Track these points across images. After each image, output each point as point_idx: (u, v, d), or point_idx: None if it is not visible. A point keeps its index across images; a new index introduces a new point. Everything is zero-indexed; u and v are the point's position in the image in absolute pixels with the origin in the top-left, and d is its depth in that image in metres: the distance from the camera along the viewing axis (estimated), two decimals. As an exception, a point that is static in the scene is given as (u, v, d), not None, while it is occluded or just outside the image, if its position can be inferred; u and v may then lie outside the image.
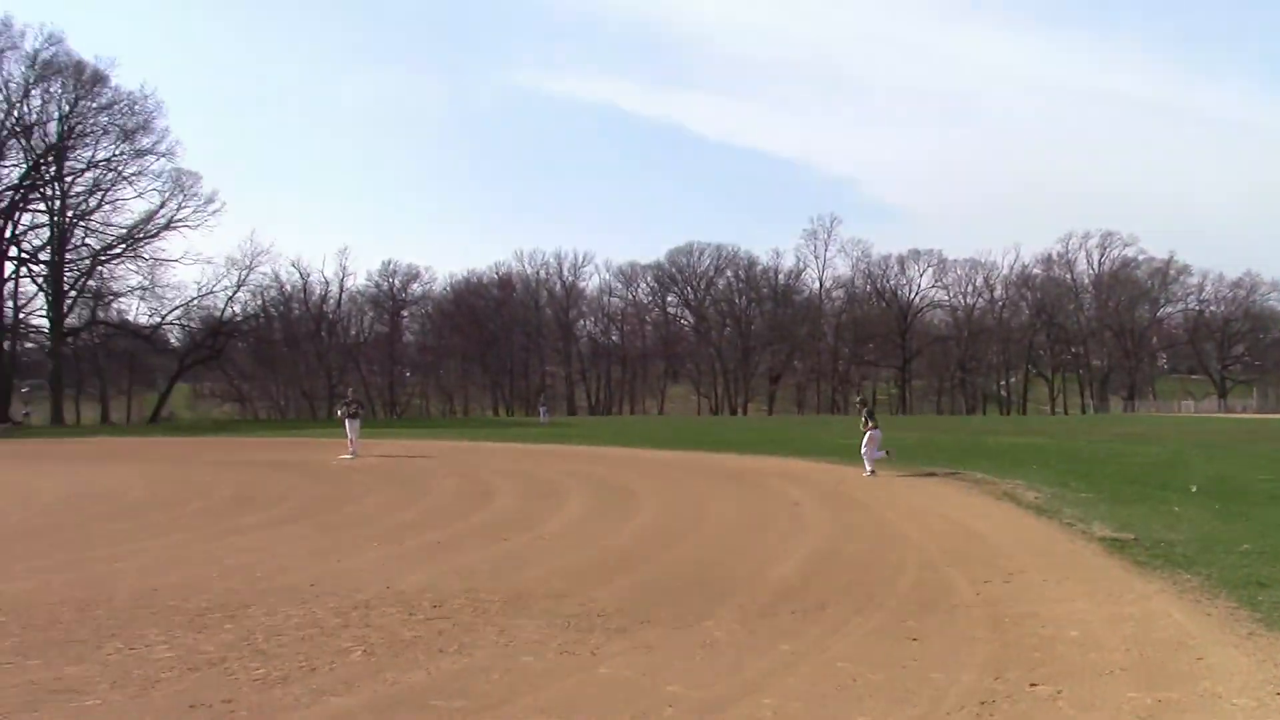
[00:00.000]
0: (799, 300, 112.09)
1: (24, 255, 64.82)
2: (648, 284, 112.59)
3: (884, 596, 10.35)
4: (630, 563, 12.49)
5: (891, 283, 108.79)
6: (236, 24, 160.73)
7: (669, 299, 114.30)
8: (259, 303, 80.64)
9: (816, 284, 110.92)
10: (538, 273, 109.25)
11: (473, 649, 8.45)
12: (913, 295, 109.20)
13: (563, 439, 38.38)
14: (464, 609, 9.88)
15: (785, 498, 19.46)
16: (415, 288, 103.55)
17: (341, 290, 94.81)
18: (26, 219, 64.97)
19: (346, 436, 30.86)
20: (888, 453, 24.78)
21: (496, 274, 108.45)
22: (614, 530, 15.27)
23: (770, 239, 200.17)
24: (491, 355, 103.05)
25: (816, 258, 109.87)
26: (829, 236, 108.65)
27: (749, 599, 10.27)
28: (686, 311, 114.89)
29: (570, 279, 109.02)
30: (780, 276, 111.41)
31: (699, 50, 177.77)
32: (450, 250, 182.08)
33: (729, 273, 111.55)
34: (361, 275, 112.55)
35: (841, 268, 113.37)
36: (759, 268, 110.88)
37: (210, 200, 67.21)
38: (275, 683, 7.49)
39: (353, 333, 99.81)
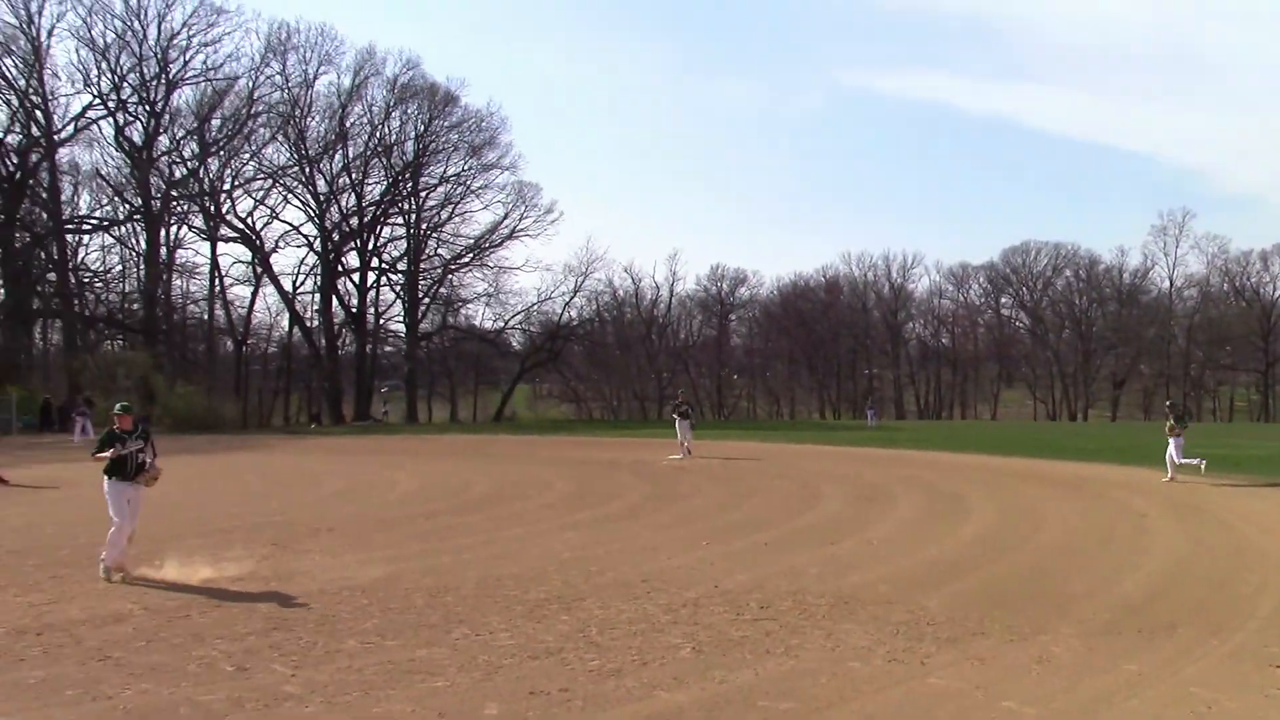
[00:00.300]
0: (1146, 300, 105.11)
1: (384, 265, 70.47)
2: (980, 285, 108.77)
3: (1242, 618, 9.51)
4: (961, 571, 12.06)
5: (1252, 280, 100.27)
6: (571, 45, 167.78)
7: (1003, 300, 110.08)
8: (594, 307, 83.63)
9: (1166, 282, 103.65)
10: (865, 275, 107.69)
11: (799, 651, 8.38)
12: (1276, 294, 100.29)
13: (891, 443, 37.62)
14: (790, 611, 9.83)
15: (1129, 509, 18.25)
16: (743, 291, 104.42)
17: (671, 295, 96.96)
18: (386, 232, 70.58)
19: (677, 437, 31.36)
20: (1199, 462, 22.90)
21: (823, 277, 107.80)
22: (944, 537, 14.79)
23: (1112, 236, 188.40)
24: (818, 358, 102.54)
25: (1166, 254, 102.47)
26: (1180, 232, 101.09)
27: (1089, 614, 9.68)
28: (1022, 313, 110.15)
29: (899, 281, 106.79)
30: (1125, 275, 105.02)
31: (1033, 41, 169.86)
32: (777, 253, 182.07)
33: (1068, 272, 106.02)
34: (690, 280, 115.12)
35: (1194, 264, 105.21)
36: (1101, 266, 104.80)
37: (549, 210, 70.39)
38: (609, 675, 7.70)
39: (681, 336, 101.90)
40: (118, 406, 12.59)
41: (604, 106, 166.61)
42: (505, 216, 69.86)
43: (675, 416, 32.35)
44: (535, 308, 74.30)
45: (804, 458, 31.08)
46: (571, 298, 75.14)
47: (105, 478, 11.93)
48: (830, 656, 8.21)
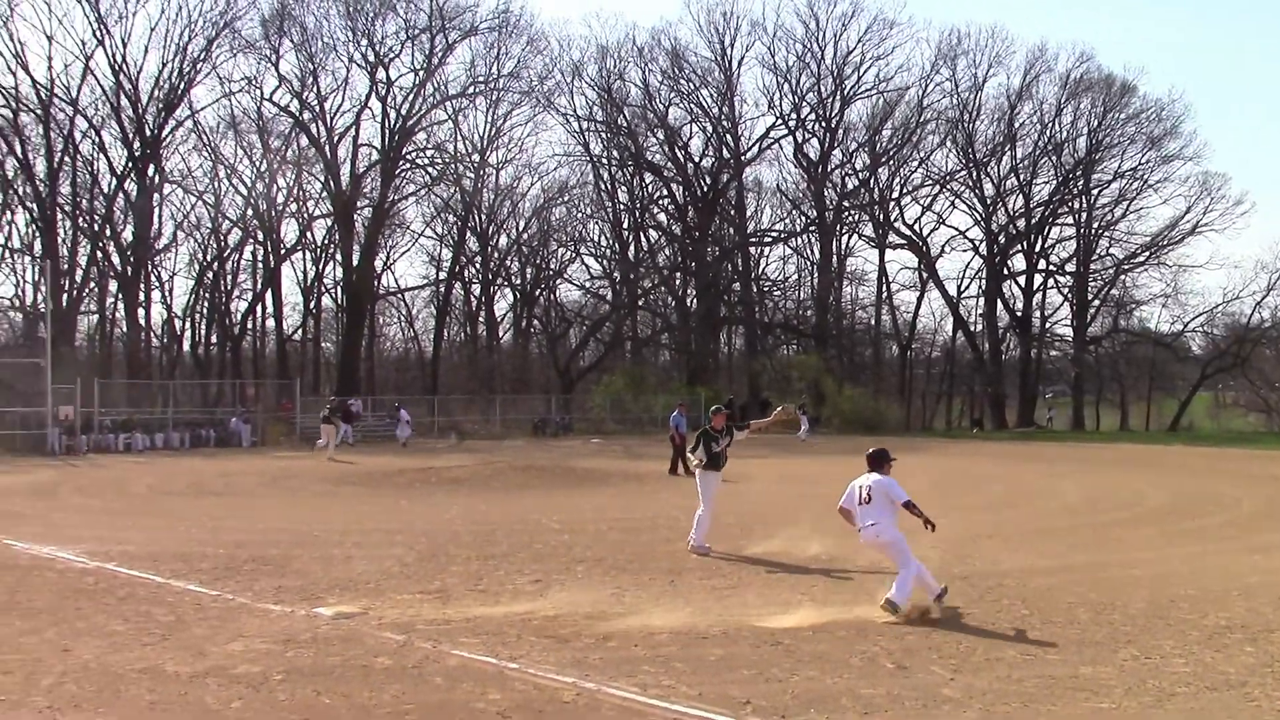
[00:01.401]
0: None
1: (1051, 267, 68.41)
2: None
3: None
4: None
5: None
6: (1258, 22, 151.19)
7: None
8: (1290, 306, 74.81)
9: None
10: None
11: None
12: None
13: None
14: None
15: None
16: None
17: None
18: (1054, 232, 68.44)
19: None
20: None
21: None
22: None
23: None
24: None
25: None
26: None
27: None
28: None
29: None
30: None
31: None
32: None
33: None
34: None
35: None
36: None
37: (1238, 202, 64.17)
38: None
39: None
40: (713, 408, 14.66)
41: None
42: (1187, 211, 64.69)
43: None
44: (1220, 309, 68.08)
45: None
46: (1264, 297, 67.80)
47: (700, 471, 13.90)
48: None
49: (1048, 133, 65.11)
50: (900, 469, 10.70)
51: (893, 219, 66.97)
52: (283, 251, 60.38)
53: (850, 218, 67.80)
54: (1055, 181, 66.39)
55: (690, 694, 7.26)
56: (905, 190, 67.06)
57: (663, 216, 70.09)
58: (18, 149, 49.76)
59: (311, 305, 64.51)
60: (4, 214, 53.88)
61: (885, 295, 68.53)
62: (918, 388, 71.71)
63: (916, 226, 67.23)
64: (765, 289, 71.74)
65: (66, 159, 51.48)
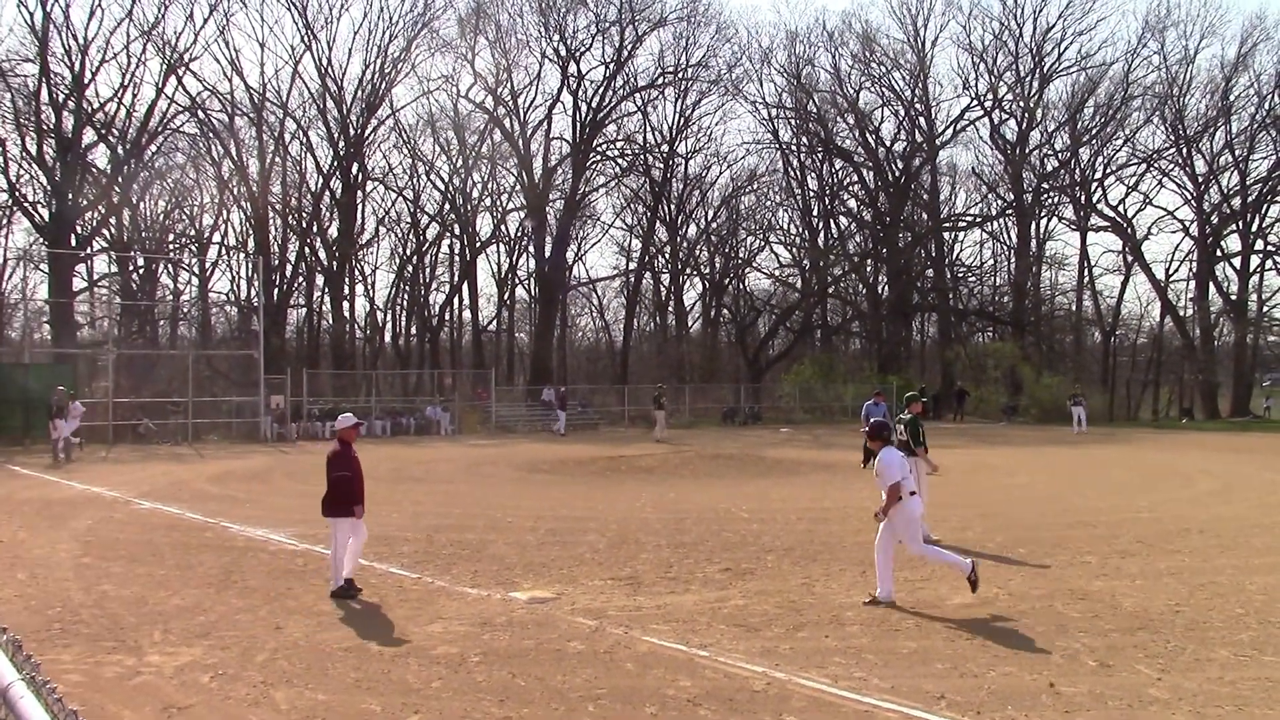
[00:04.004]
0: None
1: (1270, 247, 64.45)
2: None
3: None
4: None
5: None
6: None
7: None
8: None
9: None
10: None
11: None
12: None
13: None
14: None
15: None
16: None
17: None
18: (1273, 211, 64.47)
19: None
20: None
21: None
22: None
23: None
24: None
25: None
26: None
27: None
28: None
29: None
30: None
31: None
32: None
33: None
34: None
35: None
36: None
37: None
38: None
39: None
40: (908, 395, 14.96)
41: None
42: None
43: None
44: None
45: None
46: None
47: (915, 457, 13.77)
48: None
49: (1266, 105, 61.38)
50: (1101, 461, 10.30)
51: (1095, 200, 64.31)
52: (478, 244, 62.13)
53: (1050, 200, 65.47)
54: (1275, 156, 62.57)
55: (883, 687, 7.16)
56: (1109, 170, 64.24)
57: (853, 203, 69.33)
58: (233, 151, 52.68)
59: (505, 296, 66.17)
60: (221, 213, 57.20)
61: (1087, 280, 65.96)
62: (1122, 376, 68.76)
63: (1121, 208, 64.37)
64: (959, 275, 70.01)
65: (277, 160, 54.19)
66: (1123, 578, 11.13)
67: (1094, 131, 62.69)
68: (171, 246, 58.00)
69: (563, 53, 57.68)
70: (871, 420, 11.78)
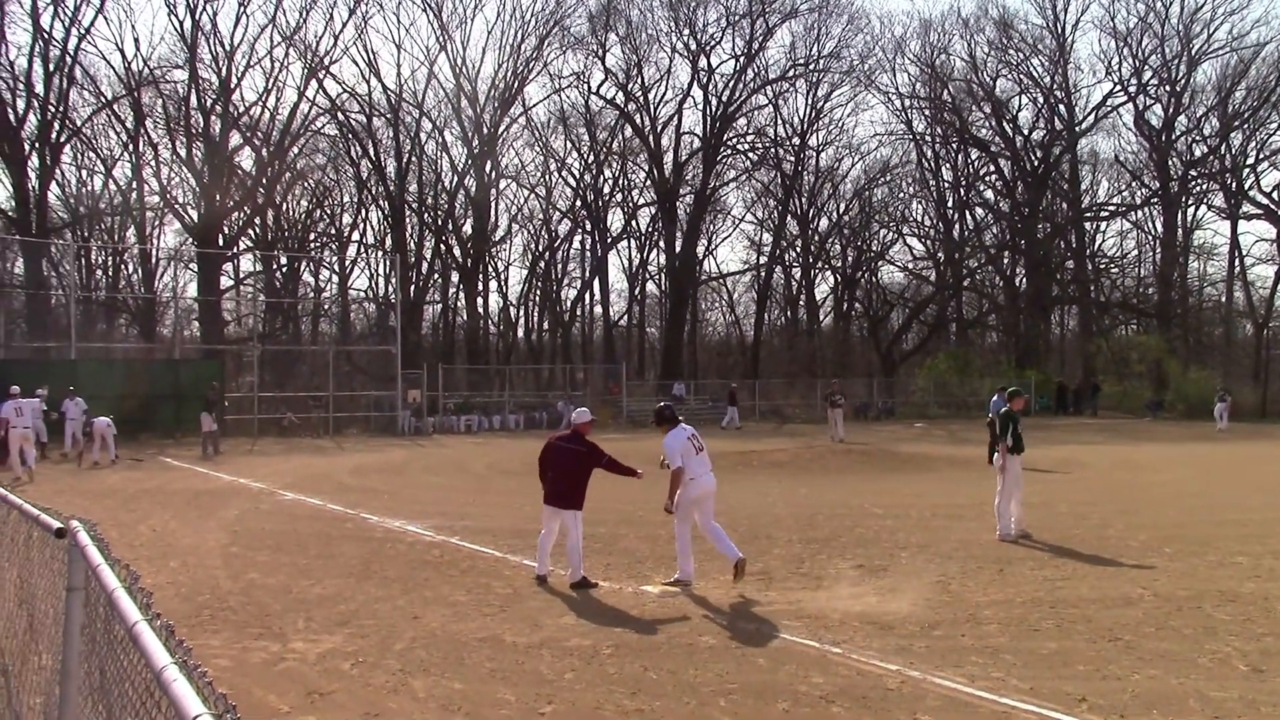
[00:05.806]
0: None
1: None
2: None
3: None
4: None
5: None
6: None
7: None
8: None
9: None
10: None
11: None
12: None
13: None
14: None
15: None
16: None
17: None
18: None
19: None
20: None
21: None
22: None
23: None
24: None
25: None
26: None
27: None
28: None
29: None
30: None
31: None
32: None
33: None
34: None
35: None
36: None
37: None
38: None
39: None
40: (1010, 390, 14.65)
41: None
42: None
43: None
44: None
45: None
46: None
47: (1010, 455, 13.49)
48: None
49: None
50: (1252, 456, 9.89)
51: (1247, 187, 61.59)
52: (609, 240, 62.58)
53: (1198, 187, 62.95)
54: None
55: (1021, 688, 7.00)
56: (1262, 155, 61.52)
57: (989, 193, 67.74)
58: (371, 152, 54.04)
59: (636, 291, 66.50)
60: (360, 212, 58.74)
61: (1238, 270, 63.29)
62: (1275, 370, 65.92)
63: (1276, 194, 61.66)
64: (1101, 266, 67.83)
65: (413, 159, 55.43)
66: (1277, 580, 10.67)
67: (1246, 115, 59.98)
68: (313, 245, 59.88)
69: (693, 47, 57.79)
70: (660, 404, 11.93)
